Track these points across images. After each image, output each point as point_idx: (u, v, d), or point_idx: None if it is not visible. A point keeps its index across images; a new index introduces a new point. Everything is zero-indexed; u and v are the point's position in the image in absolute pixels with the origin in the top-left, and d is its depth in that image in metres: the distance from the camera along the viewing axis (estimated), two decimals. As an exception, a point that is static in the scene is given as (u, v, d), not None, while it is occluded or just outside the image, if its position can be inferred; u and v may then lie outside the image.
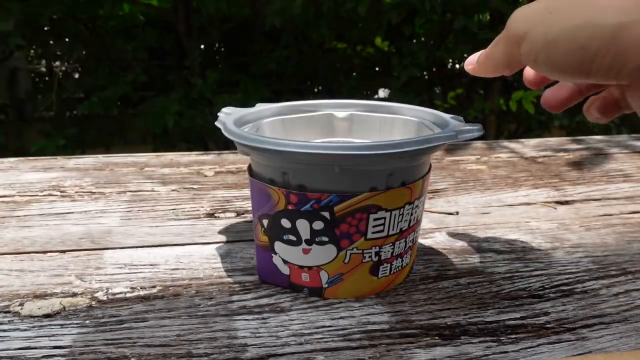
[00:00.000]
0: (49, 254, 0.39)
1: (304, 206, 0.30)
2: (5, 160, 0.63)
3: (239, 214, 0.47)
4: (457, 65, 2.29)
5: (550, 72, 0.25)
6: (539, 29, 0.24)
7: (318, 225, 0.30)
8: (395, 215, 0.31)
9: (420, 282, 0.35)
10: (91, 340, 0.29)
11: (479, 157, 0.67)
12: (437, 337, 0.29)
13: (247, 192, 0.51)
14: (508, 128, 2.33)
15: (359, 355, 0.28)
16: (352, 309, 0.32)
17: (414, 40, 2.26)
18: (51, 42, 2.50)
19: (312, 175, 0.30)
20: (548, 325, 0.31)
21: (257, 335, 0.29)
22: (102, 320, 0.30)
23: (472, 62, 0.31)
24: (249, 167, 0.34)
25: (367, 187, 0.30)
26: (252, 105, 0.40)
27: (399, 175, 0.31)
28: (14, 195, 0.51)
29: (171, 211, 0.47)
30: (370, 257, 0.32)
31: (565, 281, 0.35)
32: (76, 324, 0.30)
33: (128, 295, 0.33)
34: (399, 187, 0.31)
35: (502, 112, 1.99)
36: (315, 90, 2.55)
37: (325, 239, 0.31)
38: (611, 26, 0.22)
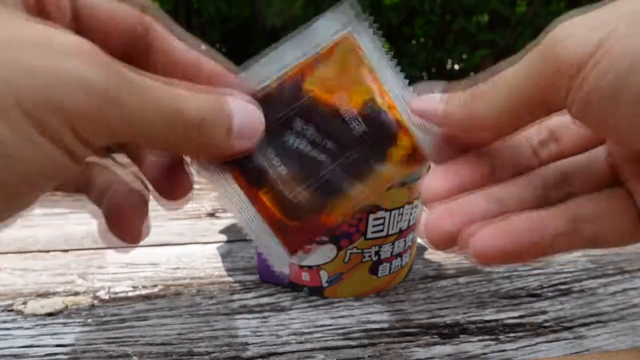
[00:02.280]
0: (51, 253, 0.39)
1: (305, 206, 0.30)
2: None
3: (239, 214, 0.47)
4: (456, 66, 2.30)
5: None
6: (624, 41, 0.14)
7: (318, 224, 0.31)
8: (394, 215, 0.31)
9: (420, 282, 0.36)
10: (93, 339, 0.29)
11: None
12: (436, 336, 0.30)
13: (247, 192, 0.52)
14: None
15: (359, 354, 0.28)
16: (352, 308, 0.32)
17: (413, 41, 2.26)
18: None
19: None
20: (546, 324, 0.31)
21: (258, 334, 0.30)
22: (104, 318, 0.31)
23: (440, 108, 0.18)
24: None
25: (367, 187, 0.30)
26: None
27: (398, 176, 0.31)
28: (15, 196, 0.51)
29: (172, 210, 0.48)
30: (369, 256, 0.32)
31: (563, 280, 0.36)
32: (78, 322, 0.30)
33: (130, 294, 0.34)
34: (398, 188, 0.31)
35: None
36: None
37: (325, 238, 0.31)
38: None
